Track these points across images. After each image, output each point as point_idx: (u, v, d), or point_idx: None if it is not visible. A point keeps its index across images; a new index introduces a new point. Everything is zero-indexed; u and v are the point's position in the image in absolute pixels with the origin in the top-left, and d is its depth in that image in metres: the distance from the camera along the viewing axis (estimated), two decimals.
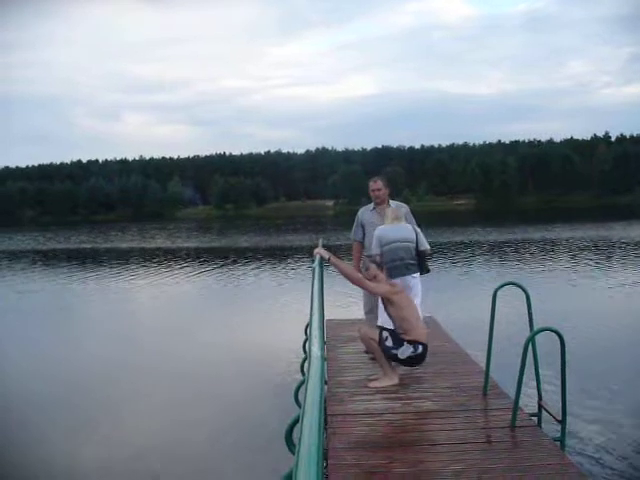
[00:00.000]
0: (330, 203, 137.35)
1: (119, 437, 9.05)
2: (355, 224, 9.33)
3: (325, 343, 8.24)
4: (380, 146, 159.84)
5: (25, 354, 14.09)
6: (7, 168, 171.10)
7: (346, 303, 15.20)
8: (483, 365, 7.36)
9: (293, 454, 6.20)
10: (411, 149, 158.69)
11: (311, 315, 4.58)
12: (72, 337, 16.10)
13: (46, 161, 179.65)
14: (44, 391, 11.29)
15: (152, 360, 13.19)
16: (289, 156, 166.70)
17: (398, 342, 7.19)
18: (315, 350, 3.03)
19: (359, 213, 9.38)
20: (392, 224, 8.39)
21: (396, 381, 7.41)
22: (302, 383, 7.79)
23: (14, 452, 8.55)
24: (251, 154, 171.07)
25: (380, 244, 8.26)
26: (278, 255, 36.37)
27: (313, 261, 7.55)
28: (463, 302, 16.62)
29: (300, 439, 1.85)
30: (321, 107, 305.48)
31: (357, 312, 11.94)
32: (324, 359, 3.01)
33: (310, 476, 1.59)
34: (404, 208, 9.07)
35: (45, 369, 12.86)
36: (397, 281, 7.97)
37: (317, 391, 2.27)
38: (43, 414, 9.99)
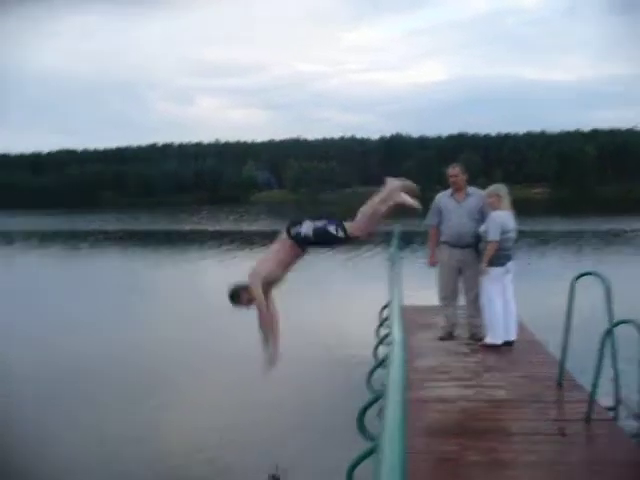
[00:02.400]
0: None
1: (192, 416, 9.19)
2: (432, 210, 9.28)
3: None
4: (455, 133, 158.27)
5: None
6: (86, 150, 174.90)
7: (420, 290, 15.13)
8: (558, 356, 7.25)
9: (365, 438, 6.23)
10: (487, 136, 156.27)
11: (391, 299, 4.57)
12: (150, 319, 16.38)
13: (123, 144, 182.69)
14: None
15: (220, 341, 13.30)
16: (363, 141, 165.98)
17: None
18: (396, 333, 3.03)
19: (437, 199, 9.32)
20: (508, 210, 8.51)
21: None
22: (376, 367, 7.79)
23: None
24: (325, 139, 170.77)
25: (501, 231, 8.29)
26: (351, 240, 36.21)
27: (390, 246, 7.53)
28: (538, 291, 16.35)
29: (384, 420, 1.85)
30: (394, 93, 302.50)
31: (431, 299, 11.86)
32: (404, 342, 3.01)
33: (394, 457, 1.59)
34: (483, 195, 8.99)
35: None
36: (503, 268, 8.38)
37: (399, 373, 2.27)
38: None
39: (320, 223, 6.11)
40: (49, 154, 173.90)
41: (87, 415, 9.14)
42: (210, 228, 52.53)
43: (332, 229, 6.05)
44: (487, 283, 8.42)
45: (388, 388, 2.11)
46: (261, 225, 54.86)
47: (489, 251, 8.28)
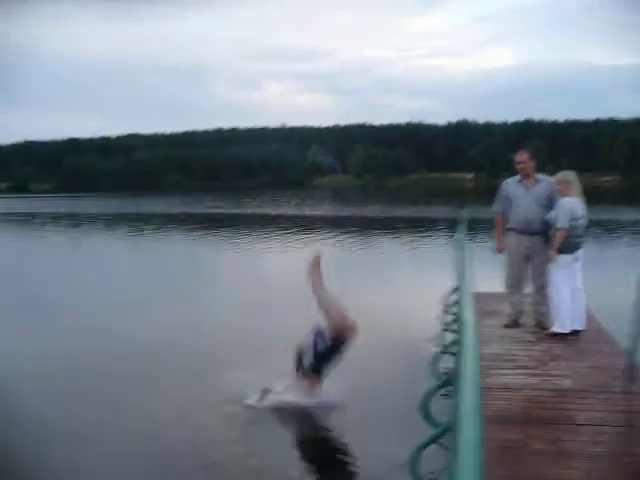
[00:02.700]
0: (470, 176, 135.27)
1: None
2: (499, 196, 9.20)
3: None
4: (522, 119, 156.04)
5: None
6: (155, 135, 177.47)
7: (486, 277, 14.97)
8: (626, 346, 7.12)
9: (428, 423, 6.22)
10: (554, 123, 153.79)
11: (460, 283, 4.54)
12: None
13: (190, 128, 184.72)
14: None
15: (280, 325, 13.37)
16: (430, 127, 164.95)
17: None
18: (467, 316, 3.00)
19: (504, 185, 9.24)
20: (578, 197, 8.41)
21: None
22: (440, 354, 7.78)
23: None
24: (391, 124, 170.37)
25: (570, 218, 8.19)
26: (416, 226, 36.15)
27: (457, 232, 7.50)
28: (606, 281, 16.05)
29: (458, 405, 1.84)
30: (461, 79, 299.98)
31: (497, 286, 11.74)
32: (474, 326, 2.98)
33: (470, 444, 1.59)
34: (552, 181, 8.87)
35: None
36: (572, 256, 8.32)
37: (473, 355, 2.25)
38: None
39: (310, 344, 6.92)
40: (117, 138, 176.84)
41: (137, 395, 9.25)
42: (272, 212, 52.87)
43: (321, 346, 6.84)
44: (555, 271, 8.31)
45: (462, 372, 2.10)
46: (323, 210, 54.99)
47: (558, 238, 8.17)
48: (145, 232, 38.28)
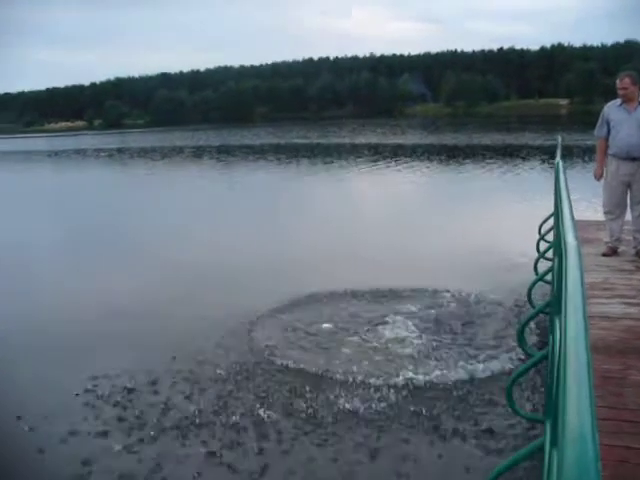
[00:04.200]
0: (564, 102, 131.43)
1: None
2: (600, 120, 8.87)
3: None
4: (622, 41, 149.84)
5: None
6: (242, 67, 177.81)
7: (583, 204, 14.62)
8: None
9: (525, 351, 6.15)
10: None
11: (560, 206, 4.38)
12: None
13: (278, 59, 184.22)
14: None
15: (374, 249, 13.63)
16: (522, 53, 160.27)
17: None
18: (571, 239, 2.88)
19: (605, 109, 8.89)
20: None
21: None
22: (536, 281, 7.64)
23: None
24: (483, 51, 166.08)
25: None
26: (510, 153, 35.50)
27: (555, 157, 7.28)
28: None
29: (564, 328, 1.76)
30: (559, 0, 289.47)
31: (595, 214, 11.43)
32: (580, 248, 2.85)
33: (581, 369, 1.52)
34: None
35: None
36: None
37: (578, 279, 2.15)
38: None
39: None
40: (207, 71, 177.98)
41: None
42: (356, 141, 52.89)
43: None
44: None
45: (567, 297, 2.00)
46: (408, 139, 54.55)
47: None
48: (227, 163, 39.03)
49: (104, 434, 6.14)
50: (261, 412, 6.38)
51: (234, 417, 6.31)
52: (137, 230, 17.40)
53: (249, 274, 11.91)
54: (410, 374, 7.08)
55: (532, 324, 7.62)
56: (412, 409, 6.32)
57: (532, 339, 7.56)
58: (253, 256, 13.50)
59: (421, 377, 7.02)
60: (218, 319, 9.32)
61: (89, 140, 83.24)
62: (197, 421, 6.27)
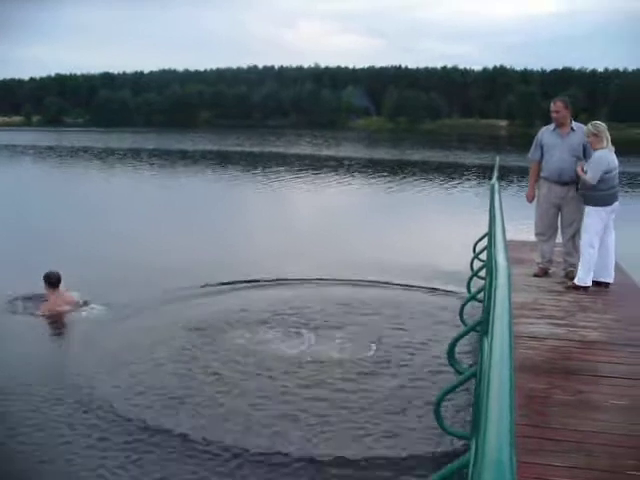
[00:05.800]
0: (504, 123, 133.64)
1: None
2: (534, 144, 9.08)
3: None
4: (560, 67, 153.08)
5: None
6: (187, 71, 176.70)
7: (516, 225, 14.87)
8: None
9: (455, 370, 6.22)
10: (593, 72, 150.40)
11: (493, 227, 4.46)
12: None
13: (223, 65, 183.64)
14: None
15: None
16: (466, 72, 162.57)
17: None
18: (501, 260, 2.93)
19: (539, 133, 9.11)
20: (610, 148, 8.20)
21: None
22: (468, 300, 7.73)
23: None
24: (427, 68, 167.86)
25: (603, 170, 8.04)
26: (447, 171, 35.92)
27: (491, 178, 7.40)
28: (636, 234, 15.85)
29: (490, 347, 1.80)
30: (504, 24, 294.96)
31: (527, 235, 11.67)
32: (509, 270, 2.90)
33: (504, 387, 1.55)
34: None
35: None
36: (609, 207, 8.12)
37: (506, 300, 2.18)
38: None
39: None
40: (151, 73, 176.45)
41: None
42: (290, 151, 53.39)
43: None
44: (590, 222, 8.15)
45: (494, 317, 2.04)
46: (340, 151, 54.98)
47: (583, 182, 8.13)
48: (153, 166, 39.34)
49: None
50: None
51: None
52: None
53: None
54: None
55: (466, 341, 7.70)
56: None
57: (467, 358, 7.65)
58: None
59: None
60: None
61: (24, 136, 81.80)
62: None
